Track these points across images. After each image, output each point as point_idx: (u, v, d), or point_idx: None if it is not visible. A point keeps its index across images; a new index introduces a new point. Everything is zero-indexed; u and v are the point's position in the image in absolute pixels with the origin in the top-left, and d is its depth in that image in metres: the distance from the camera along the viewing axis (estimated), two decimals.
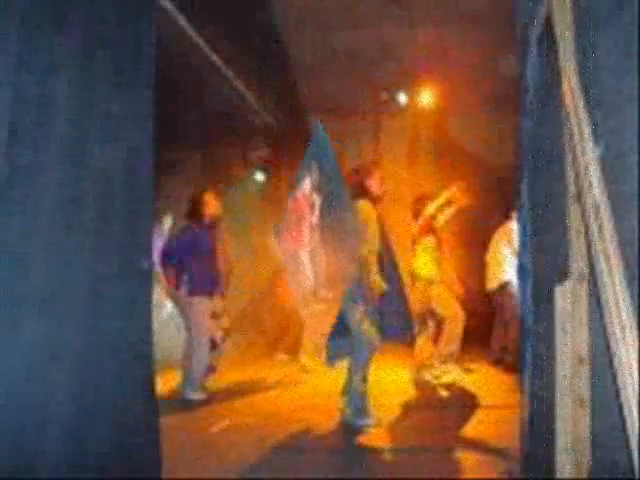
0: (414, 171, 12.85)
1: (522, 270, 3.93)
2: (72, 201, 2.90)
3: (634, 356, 1.88)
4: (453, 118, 12.86)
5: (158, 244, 8.32)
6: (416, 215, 8.14)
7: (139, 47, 3.45)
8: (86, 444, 2.92)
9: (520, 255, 4.10)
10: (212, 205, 7.03)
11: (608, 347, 2.05)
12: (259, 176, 12.29)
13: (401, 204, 9.50)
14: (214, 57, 8.71)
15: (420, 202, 8.19)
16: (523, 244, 3.93)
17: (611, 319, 2.02)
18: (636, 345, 1.89)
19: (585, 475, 2.67)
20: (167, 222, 9.49)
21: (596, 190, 2.24)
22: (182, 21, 7.57)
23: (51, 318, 2.75)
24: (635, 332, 1.92)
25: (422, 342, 7.80)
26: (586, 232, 2.47)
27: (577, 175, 2.47)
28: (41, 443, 2.70)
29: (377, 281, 5.30)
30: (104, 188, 3.11)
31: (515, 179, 4.00)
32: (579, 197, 2.52)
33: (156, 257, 7.33)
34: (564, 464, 2.76)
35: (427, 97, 12.37)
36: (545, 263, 3.40)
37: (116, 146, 3.19)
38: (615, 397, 2.01)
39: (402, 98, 12.61)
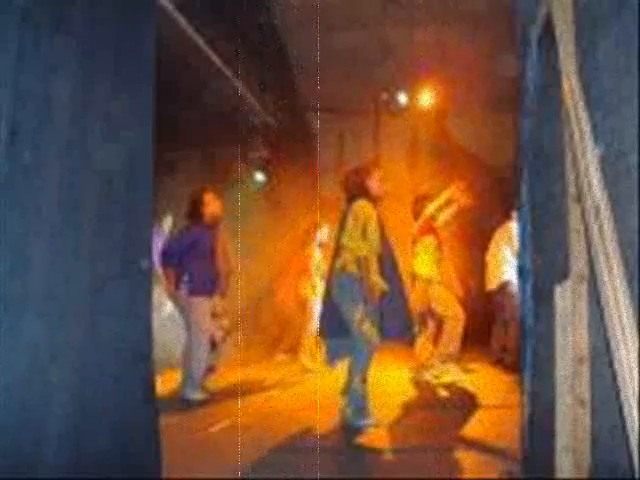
0: (414, 171, 12.89)
1: (522, 270, 3.94)
2: (72, 200, 2.90)
3: (634, 356, 1.88)
4: (453, 118, 12.88)
5: (158, 244, 8.39)
6: (416, 215, 8.16)
7: (139, 47, 3.46)
8: (85, 444, 2.92)
9: (520, 255, 4.11)
10: (212, 205, 7.02)
11: (608, 347, 2.05)
12: (259, 176, 12.31)
13: (401, 204, 9.52)
14: (214, 57, 8.73)
15: (420, 202, 8.21)
16: (523, 244, 3.94)
17: (611, 319, 2.02)
18: (636, 345, 1.90)
19: (585, 475, 2.68)
20: (167, 222, 9.49)
21: (596, 190, 2.25)
22: (182, 21, 7.59)
23: (50, 318, 2.75)
24: (635, 332, 1.92)
25: (422, 342, 7.82)
26: (586, 232, 2.47)
27: (577, 175, 2.47)
28: (40, 443, 2.70)
29: (377, 281, 5.30)
30: (104, 187, 3.11)
31: (515, 179, 4.01)
32: (579, 197, 2.53)
33: (156, 257, 7.41)
34: (564, 464, 2.77)
35: (427, 97, 12.40)
36: (545, 263, 3.41)
37: (116, 146, 3.20)
38: (615, 397, 2.02)
39: (402, 98, 12.64)
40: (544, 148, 3.41)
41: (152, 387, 3.48)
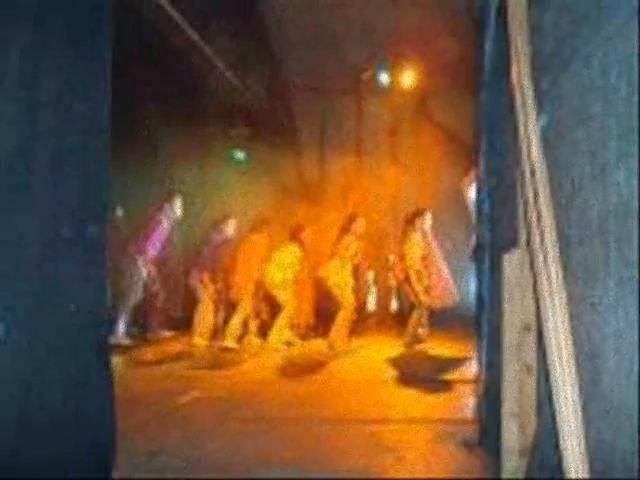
0: (396, 162, 13.05)
1: (480, 243, 3.97)
2: (22, 165, 2.86)
3: (561, 319, 1.92)
4: (434, 99, 12.89)
5: (165, 225, 8.59)
6: (404, 232, 8.80)
7: (96, 18, 3.35)
8: (39, 409, 2.89)
9: (478, 228, 4.13)
10: None
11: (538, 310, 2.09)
12: (239, 154, 12.48)
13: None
14: (196, 36, 8.85)
15: (410, 222, 8.88)
16: (481, 217, 3.96)
17: (541, 283, 2.05)
18: (565, 311, 1.93)
19: (530, 439, 2.73)
20: (177, 205, 9.41)
21: (534, 155, 2.26)
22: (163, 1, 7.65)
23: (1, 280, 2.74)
24: (564, 299, 1.96)
25: None
26: (522, 195, 2.51)
27: (519, 141, 2.48)
28: None
29: None
30: (56, 154, 3.05)
31: (474, 152, 4.02)
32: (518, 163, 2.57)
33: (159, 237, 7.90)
34: (510, 429, 2.83)
35: (408, 78, 12.48)
36: (500, 234, 3.44)
37: (69, 114, 3.13)
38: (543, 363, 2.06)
39: (384, 78, 12.71)
40: (500, 121, 3.42)
41: (107, 352, 3.46)
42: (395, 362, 8.00)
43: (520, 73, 2.57)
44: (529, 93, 2.48)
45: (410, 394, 6.09)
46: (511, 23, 2.81)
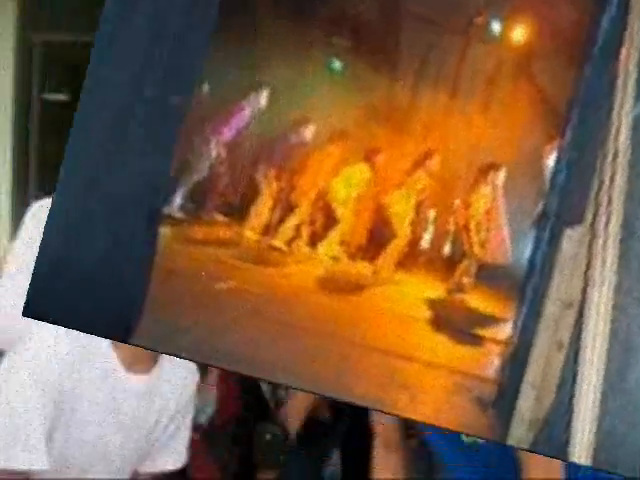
0: (486, 116, 12.90)
1: (544, 212, 3.92)
2: None
3: (605, 307, 1.91)
4: (541, 62, 12.63)
5: (247, 112, 8.52)
6: (475, 183, 8.52)
7: None
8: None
9: (547, 195, 4.07)
10: None
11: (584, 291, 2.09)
12: (336, 64, 12.54)
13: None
14: None
15: (484, 173, 8.57)
16: (554, 184, 3.90)
17: (594, 266, 2.04)
18: (610, 297, 1.92)
19: (543, 413, 2.76)
20: (263, 96, 9.21)
21: (621, 140, 2.22)
22: None
23: None
24: (612, 287, 1.95)
25: None
26: (599, 176, 2.47)
27: (610, 125, 2.43)
28: None
29: None
30: None
31: (565, 120, 3.94)
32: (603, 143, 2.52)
33: (237, 123, 7.89)
34: (527, 398, 2.85)
35: (522, 34, 12.20)
36: (568, 207, 3.41)
37: None
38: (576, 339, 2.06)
39: (496, 27, 12.45)
40: (597, 98, 3.34)
41: (157, 219, 3.30)
42: (433, 304, 7.99)
43: (629, 57, 2.48)
44: (632, 78, 2.41)
45: (439, 339, 6.11)
46: (634, 6, 2.72)
